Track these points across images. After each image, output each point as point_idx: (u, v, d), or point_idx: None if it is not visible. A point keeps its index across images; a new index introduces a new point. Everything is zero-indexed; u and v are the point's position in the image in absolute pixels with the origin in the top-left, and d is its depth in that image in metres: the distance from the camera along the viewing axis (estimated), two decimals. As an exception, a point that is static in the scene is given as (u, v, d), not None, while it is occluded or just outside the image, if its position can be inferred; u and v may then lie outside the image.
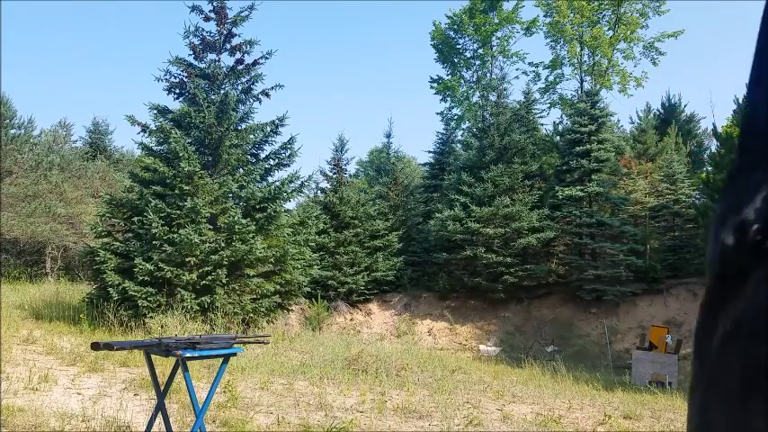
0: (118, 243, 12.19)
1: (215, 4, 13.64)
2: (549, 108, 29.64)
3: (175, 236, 11.27)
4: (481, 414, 5.87)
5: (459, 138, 27.48)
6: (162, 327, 9.84)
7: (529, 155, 20.79)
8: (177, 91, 13.46)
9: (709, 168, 18.38)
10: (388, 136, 28.19)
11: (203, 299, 11.47)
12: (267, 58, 13.79)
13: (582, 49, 27.01)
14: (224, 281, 11.73)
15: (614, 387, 10.04)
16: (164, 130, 12.68)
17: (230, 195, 13.03)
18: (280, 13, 74.49)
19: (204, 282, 11.62)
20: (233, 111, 13.13)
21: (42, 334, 9.20)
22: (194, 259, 11.47)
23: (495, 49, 30.17)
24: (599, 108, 19.89)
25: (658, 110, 29.13)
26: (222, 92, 13.32)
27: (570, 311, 18.19)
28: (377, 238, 20.30)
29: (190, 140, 12.77)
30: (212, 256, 11.64)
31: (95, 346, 3.37)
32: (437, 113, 44.12)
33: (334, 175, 21.20)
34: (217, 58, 13.71)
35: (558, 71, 28.65)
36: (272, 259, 12.61)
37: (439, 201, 22.01)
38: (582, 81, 27.27)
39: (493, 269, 18.32)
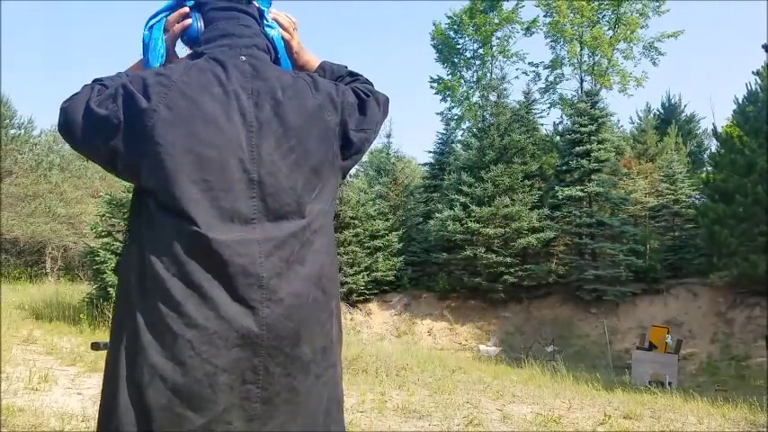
0: (118, 243, 12.17)
1: (215, 4, 13.63)
2: (549, 108, 29.70)
3: (175, 236, 11.24)
4: (481, 414, 5.87)
5: (459, 138, 27.47)
6: (162, 327, 9.81)
7: (529, 155, 20.80)
8: (177, 91, 13.43)
9: (709, 168, 18.42)
10: (388, 136, 28.16)
11: (203, 299, 11.46)
12: (267, 58, 13.78)
13: (582, 49, 27.03)
14: (224, 281, 11.72)
15: (614, 387, 10.03)
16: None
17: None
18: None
19: (204, 282, 11.60)
20: (233, 111, 13.11)
21: (42, 334, 9.20)
22: (194, 259, 11.44)
23: (495, 49, 30.17)
24: (599, 108, 19.90)
25: (658, 110, 29.18)
26: (222, 92, 13.30)
27: (570, 311, 18.20)
28: (377, 238, 20.30)
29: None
30: (212, 256, 11.62)
31: (95, 346, 3.32)
32: (437, 113, 44.18)
33: (334, 175, 21.18)
34: (217, 58, 13.69)
35: (558, 71, 28.69)
36: (271, 259, 12.60)
37: (439, 201, 22.01)
38: (582, 81, 27.31)
39: (493, 269, 18.32)
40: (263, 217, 1.32)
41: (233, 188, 1.30)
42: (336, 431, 1.44)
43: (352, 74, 1.68)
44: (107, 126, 1.30)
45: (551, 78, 29.01)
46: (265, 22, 1.53)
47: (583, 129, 19.28)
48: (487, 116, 22.68)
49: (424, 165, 27.19)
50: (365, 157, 43.67)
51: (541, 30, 28.94)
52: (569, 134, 20.10)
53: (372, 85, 1.65)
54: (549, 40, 28.53)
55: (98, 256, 11.67)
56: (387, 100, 1.62)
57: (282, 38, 1.56)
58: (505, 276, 18.12)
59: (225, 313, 1.24)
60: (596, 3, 26.68)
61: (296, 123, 1.38)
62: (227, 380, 1.24)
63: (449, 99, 31.42)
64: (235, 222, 1.30)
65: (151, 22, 1.49)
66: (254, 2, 1.52)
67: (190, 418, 1.21)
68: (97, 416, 1.37)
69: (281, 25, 1.57)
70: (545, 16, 28.27)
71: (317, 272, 1.38)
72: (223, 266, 1.26)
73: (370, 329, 18.68)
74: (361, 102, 1.52)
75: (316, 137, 1.40)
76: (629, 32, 26.60)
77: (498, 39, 30.08)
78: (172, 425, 1.20)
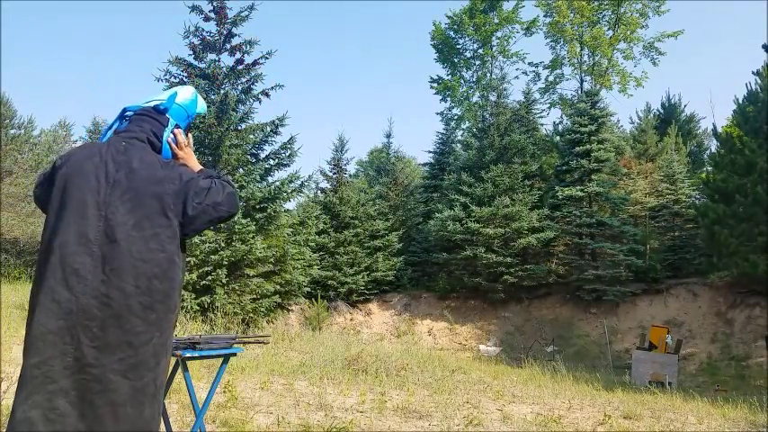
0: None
1: (215, 4, 13.64)
2: (549, 108, 29.71)
3: (175, 236, 11.25)
4: (481, 414, 5.87)
5: (459, 138, 27.47)
6: (162, 327, 9.82)
7: (529, 155, 20.79)
8: (177, 91, 13.44)
9: (709, 168, 18.40)
10: (388, 136, 28.21)
11: (203, 299, 11.48)
12: (267, 59, 13.80)
13: (582, 49, 27.02)
14: (224, 281, 11.73)
15: (614, 387, 10.04)
16: (163, 130, 12.66)
17: (230, 195, 13.01)
18: (280, 14, 74.49)
19: (204, 282, 11.62)
20: (233, 111, 13.13)
21: (42, 334, 9.17)
22: (194, 259, 11.47)
23: (495, 49, 30.17)
24: (599, 108, 19.90)
25: (658, 110, 29.13)
26: (222, 92, 13.32)
27: (570, 311, 18.20)
28: (377, 238, 20.30)
29: (190, 140, 12.75)
30: (212, 256, 11.64)
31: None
32: (437, 113, 44.16)
33: (334, 175, 21.21)
34: (217, 59, 13.72)
35: (558, 71, 28.69)
36: (271, 259, 12.61)
37: (439, 201, 22.01)
38: (582, 81, 27.29)
39: (493, 269, 18.32)
40: (104, 240, 2.14)
41: (88, 218, 2.16)
42: (140, 413, 2.12)
43: (218, 175, 2.45)
44: (41, 180, 2.38)
45: (551, 78, 29.03)
46: (167, 128, 2.47)
47: (583, 129, 19.27)
48: (487, 116, 22.66)
49: (424, 165, 27.20)
50: (365, 157, 43.32)
51: (541, 30, 28.97)
52: (569, 134, 20.09)
53: (228, 183, 2.40)
54: (548, 40, 28.54)
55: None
56: (232, 192, 2.37)
57: (170, 145, 2.48)
58: (505, 276, 18.12)
59: (57, 297, 2.09)
60: (596, 3, 26.67)
61: (137, 185, 2.20)
62: (52, 338, 2.07)
63: (449, 99, 31.42)
64: (83, 240, 2.13)
65: (107, 134, 2.47)
66: (167, 114, 2.49)
67: (29, 358, 2.06)
68: None
69: (177, 141, 2.51)
70: (545, 16, 28.30)
71: (134, 289, 2.13)
72: (64, 267, 2.11)
73: (370, 329, 18.68)
74: (209, 187, 2.31)
75: (150, 196, 2.21)
76: (629, 32, 26.58)
77: (498, 39, 30.10)
78: (25, 361, 2.07)
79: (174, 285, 2.25)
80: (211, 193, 2.30)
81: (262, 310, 12.53)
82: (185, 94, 2.63)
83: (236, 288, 12.12)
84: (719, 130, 17.95)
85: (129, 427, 2.10)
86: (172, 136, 2.50)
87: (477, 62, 31.05)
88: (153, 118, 2.46)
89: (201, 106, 2.71)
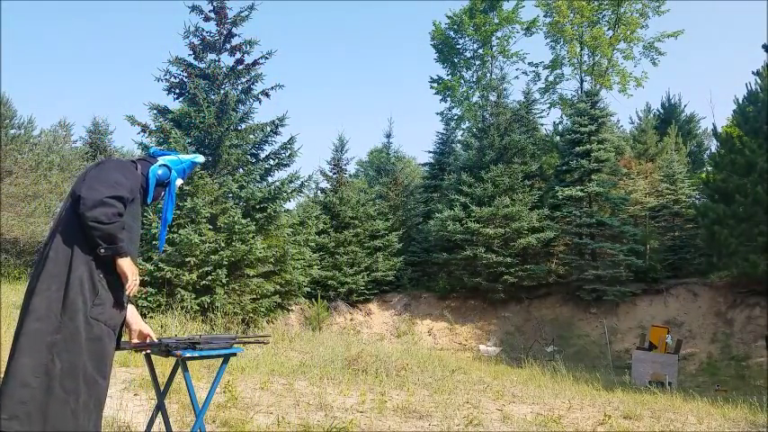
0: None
1: (215, 4, 13.63)
2: (549, 108, 29.67)
3: (175, 236, 11.27)
4: (481, 414, 5.87)
5: (459, 138, 27.45)
6: (162, 327, 9.83)
7: (529, 155, 20.79)
8: (177, 91, 13.45)
9: (709, 168, 18.39)
10: (388, 136, 28.16)
11: (203, 299, 11.47)
12: (267, 59, 13.78)
13: (582, 49, 27.01)
14: (224, 281, 11.73)
15: (614, 387, 10.04)
16: (164, 130, 12.67)
17: (230, 195, 13.02)
18: (280, 14, 74.48)
19: (204, 282, 11.61)
20: (233, 111, 13.12)
21: (42, 334, 9.16)
22: (194, 259, 11.46)
23: (495, 49, 30.15)
24: (599, 108, 19.89)
25: (658, 110, 29.13)
26: (222, 92, 13.30)
27: (570, 311, 18.20)
28: (377, 238, 20.30)
29: (190, 140, 12.75)
30: (212, 257, 11.63)
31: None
32: (437, 113, 44.12)
33: (334, 175, 21.21)
34: (217, 59, 13.70)
35: (558, 71, 28.67)
36: (272, 259, 12.60)
37: (439, 201, 22.01)
38: (582, 81, 27.28)
39: (493, 269, 18.31)
40: (59, 228, 2.77)
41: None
42: (16, 359, 2.53)
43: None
44: None
45: (551, 78, 29.01)
46: (153, 165, 3.12)
47: (583, 129, 19.27)
48: (487, 116, 22.67)
49: (424, 165, 27.17)
50: (365, 157, 43.50)
51: (541, 30, 28.95)
52: (569, 134, 20.09)
53: (118, 216, 2.77)
54: (548, 39, 28.53)
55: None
56: (109, 188, 2.73)
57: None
58: (505, 276, 18.11)
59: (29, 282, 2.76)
60: (596, 3, 26.65)
61: (76, 186, 2.84)
62: (21, 314, 2.67)
63: (449, 99, 31.39)
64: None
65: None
66: (156, 157, 3.19)
67: None
68: None
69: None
70: (545, 16, 28.28)
71: (53, 248, 2.70)
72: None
73: (370, 329, 18.68)
74: (98, 177, 2.80)
75: (77, 183, 2.85)
76: (629, 32, 26.57)
77: (498, 39, 30.07)
78: None
79: (71, 255, 2.67)
80: (96, 178, 2.77)
81: (262, 310, 12.52)
82: (189, 155, 3.41)
83: (236, 288, 12.11)
84: (719, 130, 17.94)
85: (11, 374, 2.49)
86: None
87: (477, 62, 31.04)
88: (143, 159, 3.19)
89: (198, 159, 3.47)
